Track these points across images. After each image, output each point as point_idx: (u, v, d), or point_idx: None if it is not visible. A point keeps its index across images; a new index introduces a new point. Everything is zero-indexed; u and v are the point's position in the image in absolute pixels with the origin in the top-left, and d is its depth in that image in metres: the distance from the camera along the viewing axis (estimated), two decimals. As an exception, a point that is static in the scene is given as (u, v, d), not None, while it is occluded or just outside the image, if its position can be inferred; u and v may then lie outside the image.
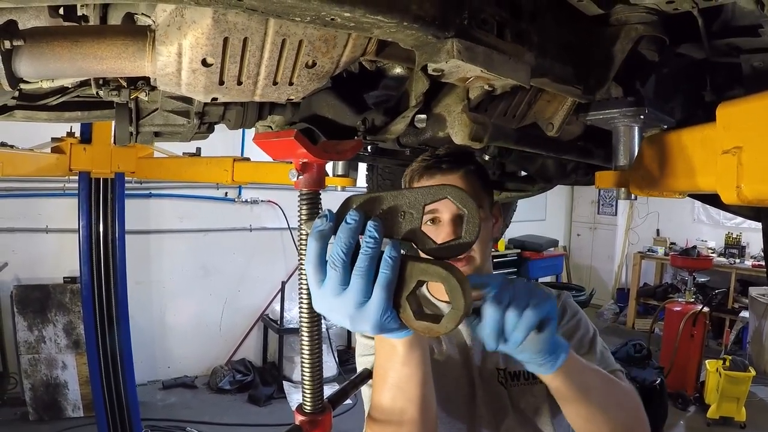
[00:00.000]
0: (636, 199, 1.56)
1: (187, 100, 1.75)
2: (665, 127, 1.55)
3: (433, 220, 1.78)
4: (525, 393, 1.77)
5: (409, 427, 1.39)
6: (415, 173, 1.88)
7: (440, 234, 1.73)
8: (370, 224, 1.00)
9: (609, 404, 1.45)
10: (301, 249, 1.41)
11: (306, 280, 1.26)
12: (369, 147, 2.46)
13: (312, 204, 1.48)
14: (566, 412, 1.44)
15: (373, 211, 1.05)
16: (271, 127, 1.77)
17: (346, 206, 1.07)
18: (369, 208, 1.05)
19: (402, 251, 1.01)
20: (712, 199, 2.53)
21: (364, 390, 1.82)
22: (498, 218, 1.95)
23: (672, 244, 12.20)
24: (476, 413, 1.78)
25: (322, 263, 1.01)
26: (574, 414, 1.43)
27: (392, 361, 1.33)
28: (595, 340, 1.84)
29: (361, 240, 1.00)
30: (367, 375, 1.79)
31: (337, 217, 1.03)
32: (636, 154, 1.48)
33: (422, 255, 1.05)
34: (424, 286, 1.02)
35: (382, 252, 0.99)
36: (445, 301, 1.01)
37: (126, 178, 5.31)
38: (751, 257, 10.96)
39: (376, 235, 0.99)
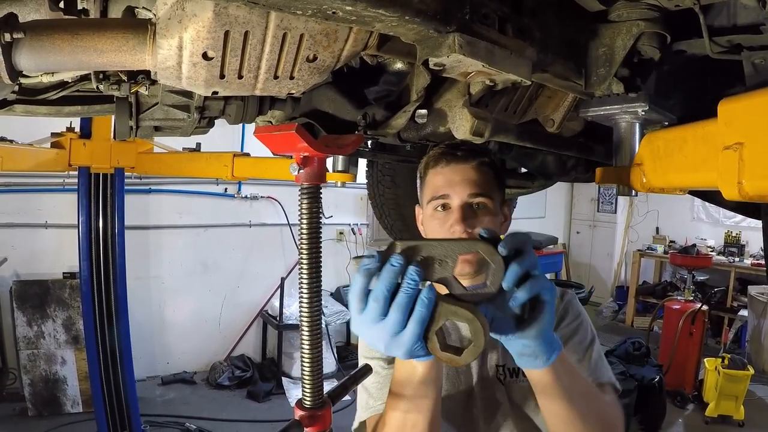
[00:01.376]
0: (636, 195, 1.56)
1: (188, 95, 1.74)
2: (666, 123, 1.55)
3: (444, 206, 1.81)
4: (522, 389, 1.77)
5: None
6: (430, 160, 1.88)
7: (449, 220, 1.78)
8: (411, 269, 1.13)
9: (589, 412, 1.45)
10: (301, 246, 1.42)
11: (306, 276, 1.41)
12: (369, 142, 2.46)
13: (313, 198, 1.48)
14: (545, 411, 1.44)
15: (413, 256, 1.16)
16: (271, 121, 1.77)
17: (390, 250, 1.18)
18: (410, 253, 1.17)
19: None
20: (712, 197, 2.53)
21: (360, 393, 1.90)
22: (508, 217, 1.96)
23: (671, 242, 12.21)
24: (473, 409, 1.80)
25: (365, 296, 1.15)
26: (552, 414, 1.43)
27: (412, 379, 1.46)
28: (591, 348, 1.84)
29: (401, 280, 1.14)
30: (367, 371, 1.79)
31: (383, 259, 1.16)
32: (637, 150, 1.48)
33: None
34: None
35: (419, 291, 1.12)
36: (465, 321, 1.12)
37: (126, 173, 5.31)
38: (751, 256, 10.96)
39: (416, 278, 1.12)
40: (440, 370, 1.48)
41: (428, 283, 1.16)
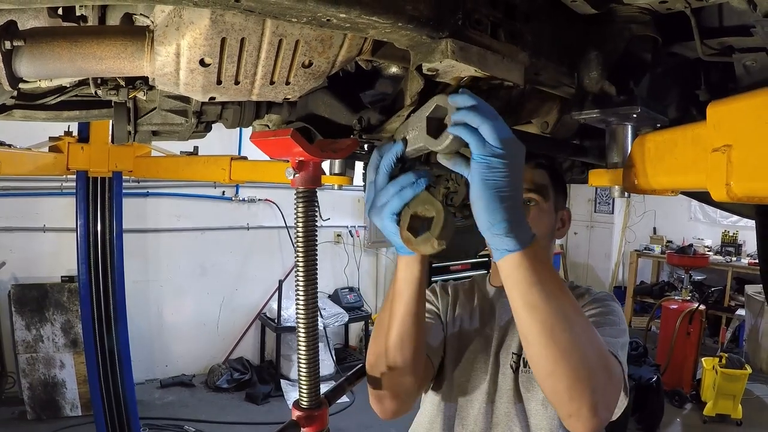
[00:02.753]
0: (630, 196, 1.58)
1: (185, 100, 1.76)
2: (658, 125, 1.56)
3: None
4: (531, 381, 1.81)
5: (388, 343, 1.68)
6: None
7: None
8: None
9: (573, 337, 1.28)
10: (297, 248, 1.45)
11: (302, 278, 1.43)
12: (365, 146, 2.48)
13: (308, 202, 1.50)
14: (521, 327, 1.30)
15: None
16: (268, 126, 1.79)
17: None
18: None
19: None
20: (707, 198, 2.55)
21: None
22: (566, 222, 2.07)
23: (669, 242, 12.21)
24: (481, 385, 1.89)
25: (376, 168, 1.36)
26: (523, 324, 1.29)
27: (394, 277, 1.63)
28: (604, 321, 1.79)
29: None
30: (364, 371, 1.81)
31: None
32: (629, 152, 1.50)
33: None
34: None
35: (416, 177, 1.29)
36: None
37: (123, 177, 5.31)
38: (748, 255, 10.96)
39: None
40: (414, 272, 1.57)
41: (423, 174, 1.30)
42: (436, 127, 1.21)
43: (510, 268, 1.25)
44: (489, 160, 1.14)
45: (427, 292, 2.11)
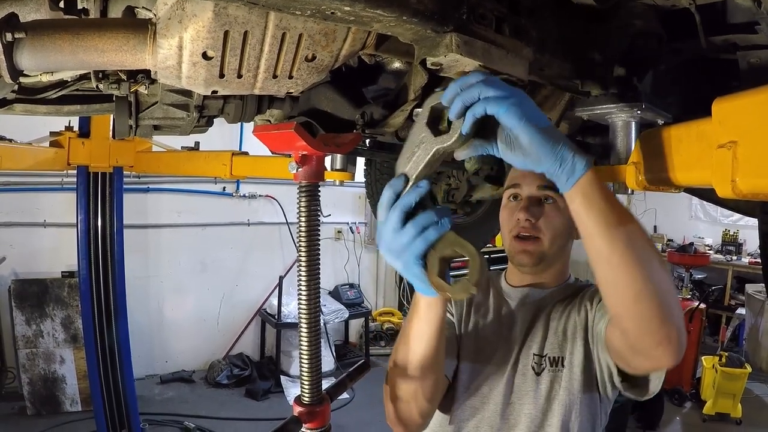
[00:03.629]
0: (633, 193, 1.57)
1: (187, 94, 1.75)
2: (662, 122, 1.56)
3: (515, 196, 1.91)
4: (552, 380, 1.79)
5: (409, 376, 1.60)
6: None
7: (516, 209, 1.88)
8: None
9: (655, 254, 1.24)
10: (300, 243, 1.44)
11: (305, 273, 1.37)
12: (368, 141, 2.47)
13: (311, 196, 1.49)
14: (601, 252, 1.22)
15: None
16: (269, 121, 1.78)
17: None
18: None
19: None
20: (709, 195, 2.54)
21: None
22: None
23: (669, 240, 12.19)
24: (499, 388, 1.84)
25: (390, 207, 1.23)
26: (594, 253, 1.23)
27: (413, 314, 1.52)
28: None
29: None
30: (365, 369, 1.81)
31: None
32: (632, 149, 1.49)
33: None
34: None
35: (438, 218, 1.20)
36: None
37: (124, 172, 5.30)
38: (748, 254, 10.95)
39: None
40: (440, 312, 1.49)
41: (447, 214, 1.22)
42: (438, 127, 1.18)
43: (586, 190, 1.16)
44: (512, 109, 1.08)
45: None
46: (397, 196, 1.22)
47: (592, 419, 1.78)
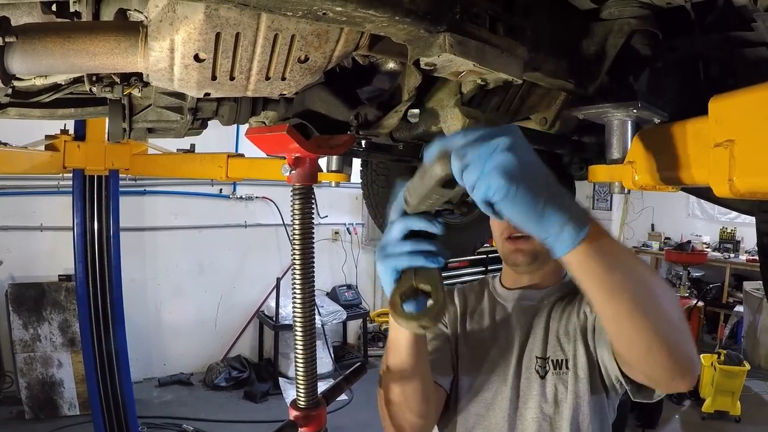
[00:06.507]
0: (629, 192, 1.57)
1: (180, 96, 1.74)
2: (658, 120, 1.55)
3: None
4: (562, 383, 1.77)
5: (398, 380, 1.59)
6: None
7: (503, 223, 1.87)
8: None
9: (662, 301, 1.18)
10: (294, 246, 1.43)
11: (299, 276, 1.38)
12: (363, 142, 2.47)
13: (305, 199, 1.48)
14: (607, 314, 1.19)
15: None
16: (264, 122, 1.77)
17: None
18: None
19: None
20: (706, 194, 2.54)
21: None
22: None
23: (667, 239, 12.20)
24: (502, 395, 1.82)
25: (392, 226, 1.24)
26: (599, 308, 1.19)
27: (395, 341, 1.53)
28: None
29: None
30: (361, 371, 1.80)
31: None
32: (629, 148, 1.49)
33: None
34: None
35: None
36: None
37: (120, 175, 5.29)
38: (746, 252, 10.96)
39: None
40: (417, 342, 1.50)
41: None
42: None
43: (580, 261, 1.09)
44: (506, 201, 1.00)
45: None
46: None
47: (601, 419, 1.77)
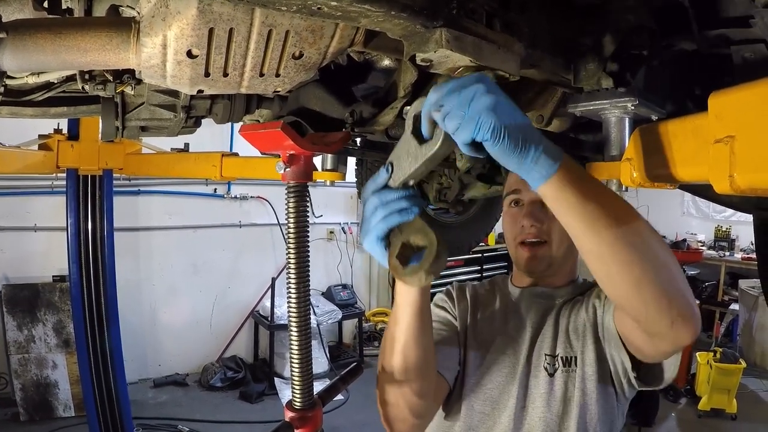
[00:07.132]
0: (627, 190, 1.56)
1: (174, 94, 1.73)
2: (656, 117, 1.54)
3: (516, 202, 1.91)
4: (566, 380, 1.76)
5: (395, 377, 1.58)
6: None
7: (519, 216, 1.88)
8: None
9: (646, 236, 1.19)
10: (289, 245, 1.42)
11: (294, 276, 1.38)
12: (358, 140, 2.46)
13: (300, 197, 1.47)
14: (589, 249, 1.20)
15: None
16: (259, 120, 1.77)
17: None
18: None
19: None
20: (702, 191, 2.53)
21: None
22: None
23: (662, 237, 12.23)
24: (510, 392, 1.80)
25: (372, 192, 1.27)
26: (596, 246, 1.18)
27: (394, 304, 1.52)
28: None
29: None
30: (357, 371, 1.79)
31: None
32: (626, 145, 1.48)
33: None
34: None
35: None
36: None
37: (114, 174, 5.27)
38: (741, 250, 11.01)
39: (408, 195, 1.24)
40: (415, 296, 1.46)
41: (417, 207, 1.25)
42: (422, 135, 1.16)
43: (555, 191, 1.12)
44: (483, 128, 1.04)
45: (443, 296, 2.06)
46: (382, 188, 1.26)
47: (611, 420, 1.77)
